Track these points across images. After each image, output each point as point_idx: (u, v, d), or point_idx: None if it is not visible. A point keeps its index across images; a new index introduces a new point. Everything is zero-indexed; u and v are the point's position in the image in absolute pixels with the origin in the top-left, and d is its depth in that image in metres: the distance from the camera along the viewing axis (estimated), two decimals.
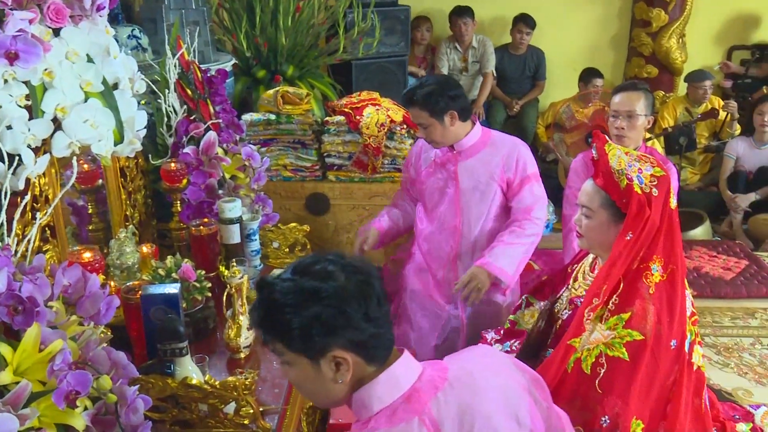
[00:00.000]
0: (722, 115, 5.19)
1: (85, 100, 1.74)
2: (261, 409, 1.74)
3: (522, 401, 1.35)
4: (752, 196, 4.60)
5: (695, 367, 2.05)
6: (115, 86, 1.88)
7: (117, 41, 1.95)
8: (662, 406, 1.95)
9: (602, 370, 1.90)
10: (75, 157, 1.73)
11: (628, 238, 1.93)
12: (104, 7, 1.82)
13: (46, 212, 1.77)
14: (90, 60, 1.76)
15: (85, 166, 2.16)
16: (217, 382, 1.65)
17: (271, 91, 3.52)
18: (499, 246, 2.63)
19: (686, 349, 1.99)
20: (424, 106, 2.56)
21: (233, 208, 2.41)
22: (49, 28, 1.65)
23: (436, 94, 2.56)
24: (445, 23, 5.74)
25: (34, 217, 1.70)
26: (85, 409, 1.33)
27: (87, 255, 1.90)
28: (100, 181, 2.26)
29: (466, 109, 2.66)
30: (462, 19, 5.53)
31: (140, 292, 1.88)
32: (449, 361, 1.38)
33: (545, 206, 2.78)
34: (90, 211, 2.28)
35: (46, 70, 1.61)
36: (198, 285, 2.07)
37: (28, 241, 1.62)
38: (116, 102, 1.82)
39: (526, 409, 1.35)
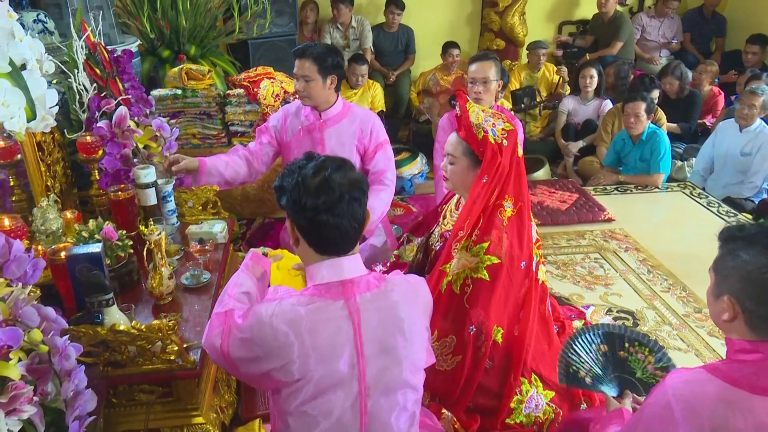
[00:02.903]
0: (555, 78, 5.40)
1: None
2: (185, 345, 1.70)
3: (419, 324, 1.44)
4: (580, 143, 4.86)
5: (540, 282, 2.17)
6: (23, 67, 1.71)
7: (23, 25, 1.78)
8: (516, 313, 2.05)
9: (469, 289, 1.97)
10: None
11: (485, 180, 1.99)
12: None
13: None
14: None
15: (1, 142, 1.98)
16: (143, 326, 1.59)
17: (175, 69, 3.36)
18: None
19: (533, 268, 2.10)
20: (315, 59, 2.50)
21: (148, 174, 2.30)
22: None
23: (328, 54, 2.52)
24: (329, 5, 5.61)
25: None
26: (20, 360, 1.25)
27: (8, 222, 1.75)
28: (19, 155, 2.07)
29: (340, 82, 2.62)
30: (340, 3, 5.43)
31: (65, 253, 1.76)
32: (391, 275, 1.47)
33: (394, 168, 2.80)
34: (12, 184, 2.09)
35: None
36: (120, 243, 1.97)
37: None
38: (25, 82, 1.66)
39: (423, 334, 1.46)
